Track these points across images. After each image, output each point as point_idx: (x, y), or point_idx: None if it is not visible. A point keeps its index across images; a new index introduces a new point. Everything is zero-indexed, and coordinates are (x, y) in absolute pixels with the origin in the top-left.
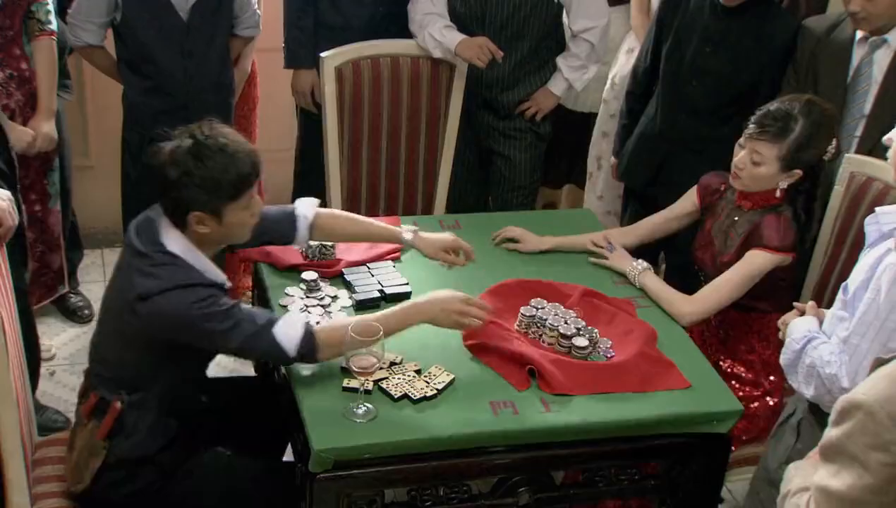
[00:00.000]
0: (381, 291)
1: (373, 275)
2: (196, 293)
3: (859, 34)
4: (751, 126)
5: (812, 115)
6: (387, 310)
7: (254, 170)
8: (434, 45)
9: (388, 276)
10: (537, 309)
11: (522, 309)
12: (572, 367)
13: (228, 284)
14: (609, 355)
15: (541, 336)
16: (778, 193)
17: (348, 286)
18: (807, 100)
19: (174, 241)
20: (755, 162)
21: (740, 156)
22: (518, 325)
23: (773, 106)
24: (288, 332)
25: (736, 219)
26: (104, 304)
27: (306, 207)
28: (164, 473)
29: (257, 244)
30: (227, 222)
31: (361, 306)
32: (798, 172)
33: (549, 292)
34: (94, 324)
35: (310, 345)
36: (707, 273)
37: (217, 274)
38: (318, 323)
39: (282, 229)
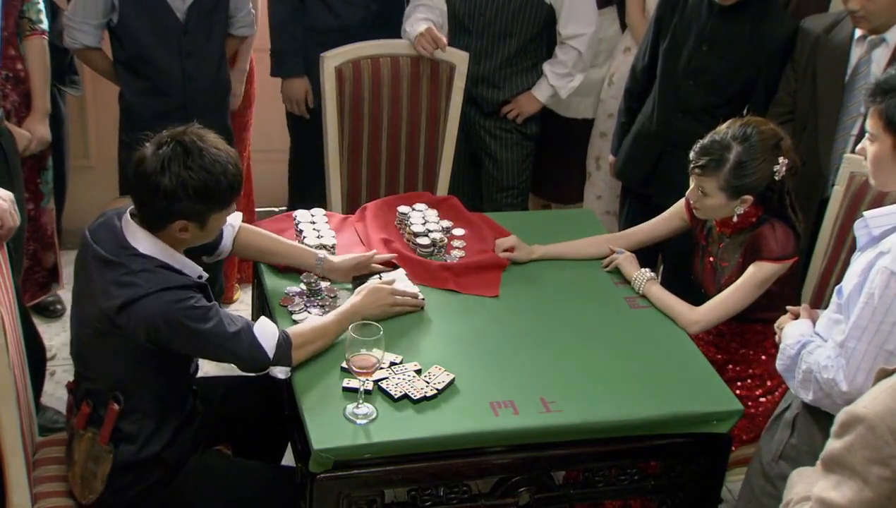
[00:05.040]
0: None
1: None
2: (174, 294)
3: (858, 33)
4: (691, 161)
5: (749, 140)
6: (330, 315)
7: (240, 175)
8: (405, 37)
9: (401, 285)
10: (412, 209)
11: (399, 208)
12: (411, 261)
13: (206, 276)
14: (456, 258)
15: (403, 232)
16: (735, 218)
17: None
18: (742, 123)
19: (144, 243)
20: (702, 194)
21: (691, 189)
22: (396, 222)
23: (707, 139)
24: (265, 335)
25: (722, 245)
26: (78, 315)
27: (232, 218)
28: (170, 469)
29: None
30: (208, 228)
31: None
32: (748, 198)
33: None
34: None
35: (286, 346)
36: (711, 296)
37: (192, 267)
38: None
39: None
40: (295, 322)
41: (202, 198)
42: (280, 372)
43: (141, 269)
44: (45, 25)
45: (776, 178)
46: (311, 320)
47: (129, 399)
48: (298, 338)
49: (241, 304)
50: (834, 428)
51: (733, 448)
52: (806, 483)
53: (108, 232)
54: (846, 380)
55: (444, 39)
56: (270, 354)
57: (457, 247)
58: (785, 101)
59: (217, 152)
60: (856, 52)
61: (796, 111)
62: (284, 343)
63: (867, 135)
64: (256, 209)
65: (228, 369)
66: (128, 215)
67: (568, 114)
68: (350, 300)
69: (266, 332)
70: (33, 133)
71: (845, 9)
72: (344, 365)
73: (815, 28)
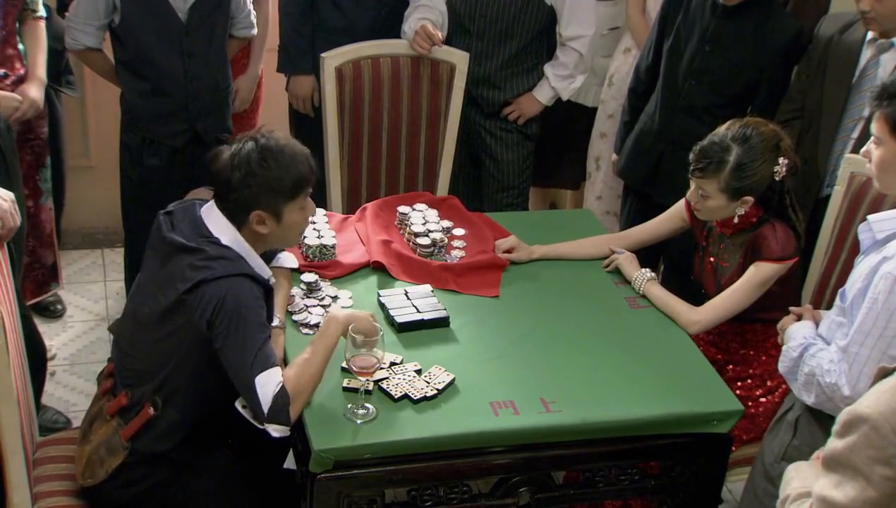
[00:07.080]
0: (419, 313)
1: (409, 299)
2: (254, 288)
3: (870, 35)
4: (691, 163)
5: (749, 141)
6: (315, 342)
7: (311, 171)
8: (404, 38)
9: (426, 301)
10: (412, 209)
11: (399, 208)
12: (412, 261)
13: (273, 281)
14: (456, 258)
15: (404, 232)
16: (736, 219)
17: (382, 307)
18: (742, 125)
19: (227, 235)
20: (703, 196)
21: (691, 191)
22: (396, 222)
23: (706, 141)
24: (266, 383)
25: (722, 245)
26: (139, 307)
27: (286, 260)
28: (176, 470)
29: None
30: (285, 222)
31: (404, 328)
32: (749, 199)
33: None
34: (82, 323)
35: (282, 403)
36: (712, 297)
37: (265, 270)
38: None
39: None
40: (295, 322)
41: (271, 187)
42: (274, 431)
43: (219, 256)
44: (42, 12)
45: (777, 179)
46: (296, 364)
47: (169, 399)
48: (291, 386)
49: None
50: (836, 428)
51: (733, 449)
52: (803, 478)
53: (188, 220)
54: (848, 385)
55: (440, 35)
56: (265, 408)
57: (457, 247)
58: (795, 98)
59: (286, 146)
60: (865, 55)
61: (805, 109)
62: (280, 398)
63: (872, 138)
64: None
65: None
66: (212, 204)
67: (577, 99)
68: (325, 327)
69: (268, 383)
70: (25, 96)
71: (857, 9)
72: (344, 365)
73: (832, 27)
